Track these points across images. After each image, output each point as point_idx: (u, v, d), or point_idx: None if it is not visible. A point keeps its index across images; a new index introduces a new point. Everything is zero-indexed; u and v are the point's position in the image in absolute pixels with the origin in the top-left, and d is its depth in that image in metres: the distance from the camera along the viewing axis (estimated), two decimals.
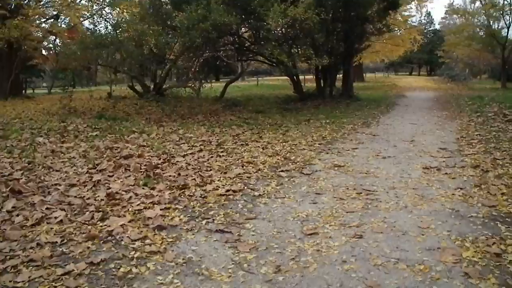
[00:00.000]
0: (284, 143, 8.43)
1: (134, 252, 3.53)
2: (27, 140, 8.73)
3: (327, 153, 7.42)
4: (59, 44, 20.20)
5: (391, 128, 10.30)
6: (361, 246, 3.58)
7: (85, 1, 19.99)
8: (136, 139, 9.41)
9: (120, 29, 15.12)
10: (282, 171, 6.22)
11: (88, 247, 3.63)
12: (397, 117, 12.52)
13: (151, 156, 7.45)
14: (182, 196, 5.17)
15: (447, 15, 55.46)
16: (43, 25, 20.58)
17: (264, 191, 5.29)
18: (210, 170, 6.40)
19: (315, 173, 6.12)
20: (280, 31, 14.00)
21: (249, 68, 52.36)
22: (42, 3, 19.68)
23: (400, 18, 30.64)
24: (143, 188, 5.48)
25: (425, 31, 58.03)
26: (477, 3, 35.05)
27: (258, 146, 8.16)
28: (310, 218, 4.32)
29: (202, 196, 5.14)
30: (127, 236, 3.84)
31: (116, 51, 14.86)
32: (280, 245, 3.65)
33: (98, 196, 5.13)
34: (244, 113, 14.52)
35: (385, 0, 15.45)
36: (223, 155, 7.45)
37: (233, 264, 3.34)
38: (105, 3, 18.38)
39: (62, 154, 7.63)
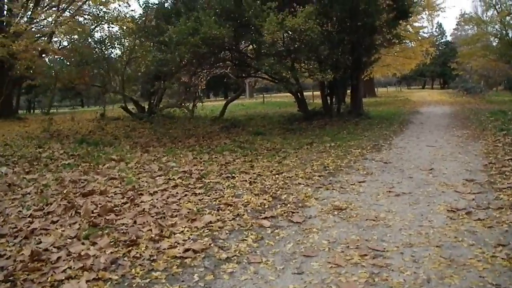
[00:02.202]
0: (277, 175, 7.06)
1: None
2: None
3: (327, 189, 6.01)
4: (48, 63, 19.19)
5: (406, 152, 8.84)
6: None
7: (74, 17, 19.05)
8: (110, 169, 8.35)
9: (107, 45, 13.99)
10: (266, 218, 4.86)
11: None
12: (412, 138, 11.03)
13: (115, 193, 6.30)
14: (125, 258, 3.91)
15: (458, 26, 54.06)
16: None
17: (235, 251, 3.95)
18: (176, 215, 5.08)
19: (308, 220, 4.74)
20: (280, 44, 12.71)
21: (258, 85, 51.59)
22: (35, 21, 18.67)
23: (411, 30, 29.31)
24: (82, 243, 4.30)
25: (437, 43, 56.64)
26: (491, 11, 33.56)
27: (246, 180, 6.80)
28: None
29: (152, 258, 3.85)
30: None
31: (101, 69, 13.72)
32: None
33: (22, 254, 3.97)
34: (241, 135, 13.21)
35: (394, 9, 14.13)
36: (200, 193, 6.13)
37: None
38: (92, 19, 17.44)
39: (19, 189, 6.69)
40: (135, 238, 4.35)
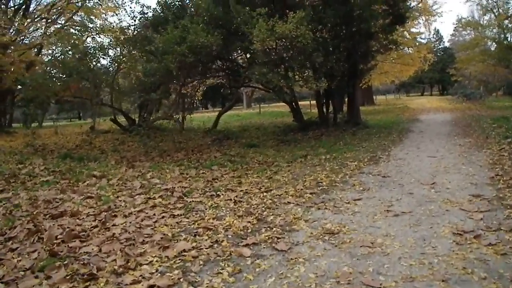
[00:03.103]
0: (265, 193, 6.48)
1: None
2: None
3: (319, 209, 5.42)
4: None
5: (405, 164, 8.24)
6: None
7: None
8: (90, 186, 7.81)
9: (92, 56, 13.47)
10: (247, 245, 4.28)
11: None
12: (411, 148, 10.43)
13: (88, 215, 5.77)
14: None
15: (456, 32, 53.73)
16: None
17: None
18: (148, 242, 4.51)
19: (295, 248, 4.15)
20: (273, 52, 12.17)
21: (256, 95, 51.04)
22: (23, 33, 18.17)
23: (408, 36, 28.85)
24: (36, 277, 3.81)
25: (435, 49, 56.33)
26: (489, 15, 33.13)
27: (231, 199, 6.22)
28: None
29: None
30: None
31: (86, 80, 13.21)
32: None
33: None
34: (233, 147, 12.66)
35: (390, 14, 13.61)
36: (178, 214, 5.56)
37: None
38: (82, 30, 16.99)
39: None
40: (95, 271, 3.80)
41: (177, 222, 5.23)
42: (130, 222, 5.30)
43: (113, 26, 19.05)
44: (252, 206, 5.76)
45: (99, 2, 21.09)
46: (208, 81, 23.39)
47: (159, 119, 15.76)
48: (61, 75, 12.37)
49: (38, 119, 18.11)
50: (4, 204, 6.57)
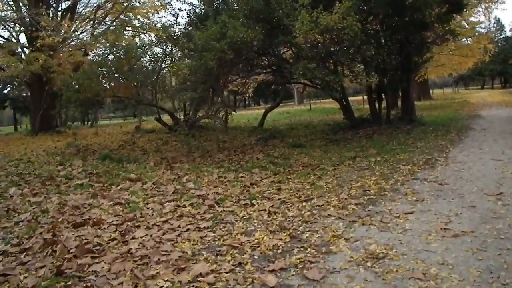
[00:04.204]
0: (304, 203, 5.80)
1: None
2: None
3: (363, 224, 4.69)
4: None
5: (466, 169, 7.24)
6: None
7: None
8: (122, 190, 7.59)
9: (131, 55, 13.24)
10: (274, 270, 3.64)
11: None
12: (473, 149, 9.34)
13: (110, 225, 5.43)
14: None
15: None
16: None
17: None
18: (163, 261, 4.01)
19: (330, 277, 3.47)
20: (319, 45, 11.38)
21: (308, 90, 49.93)
22: (69, 35, 18.35)
23: (466, 25, 26.96)
24: None
25: (496, 39, 52.97)
26: None
27: (265, 209, 5.60)
28: None
29: None
30: None
31: (125, 80, 13.02)
32: None
33: None
34: (278, 148, 12.02)
35: (447, 1, 12.42)
36: (205, 227, 5.03)
37: None
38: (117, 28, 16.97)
39: (15, 215, 6.15)
40: None
41: (201, 237, 4.69)
42: (150, 236, 4.86)
43: (155, 24, 18.96)
44: (288, 219, 5.12)
45: (146, 1, 21.08)
46: (257, 77, 22.88)
47: (202, 118, 15.38)
48: (102, 75, 12.22)
49: (90, 118, 18.31)
50: (33, 209, 6.51)
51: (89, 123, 35.24)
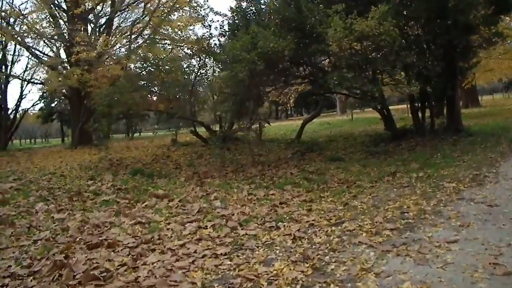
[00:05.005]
0: (334, 227, 5.27)
1: None
2: (25, 206, 7.72)
3: (398, 255, 4.11)
4: None
5: None
6: None
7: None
8: (146, 208, 7.40)
9: (163, 69, 13.12)
10: None
11: None
12: None
13: (125, 247, 5.15)
14: None
15: None
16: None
17: None
18: None
19: None
20: (355, 53, 10.80)
21: (350, 100, 48.74)
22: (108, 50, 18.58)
23: None
24: None
25: None
26: None
27: (291, 234, 5.11)
28: None
29: None
30: None
31: (157, 92, 12.92)
32: None
33: None
34: (315, 162, 11.49)
35: (493, 2, 11.53)
36: (222, 253, 4.63)
37: None
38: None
39: (36, 232, 6.03)
40: None
41: (216, 265, 4.29)
42: (163, 262, 4.54)
43: (188, 36, 18.92)
44: (314, 246, 4.61)
45: (183, 14, 21.15)
46: (298, 87, 22.43)
47: (237, 131, 15.05)
48: (134, 89, 12.16)
49: (137, 130, 18.45)
50: (55, 226, 6.37)
51: (129, 135, 35.81)
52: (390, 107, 15.53)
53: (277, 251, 4.59)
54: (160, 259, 4.61)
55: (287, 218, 5.97)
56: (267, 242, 4.93)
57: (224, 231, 5.50)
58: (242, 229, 5.59)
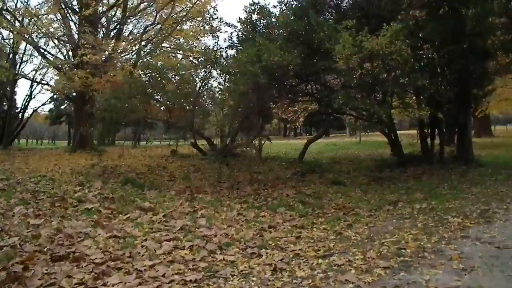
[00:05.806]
0: (321, 260, 4.72)
1: None
2: (3, 208, 7.21)
3: None
4: None
5: None
6: None
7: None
8: (127, 221, 6.94)
9: (161, 77, 12.74)
10: None
11: None
12: None
13: (91, 263, 4.69)
14: None
15: None
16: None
17: None
18: None
19: None
20: (363, 71, 10.31)
21: (359, 122, 48.07)
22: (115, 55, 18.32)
23: None
24: None
25: None
26: None
27: (272, 263, 4.57)
28: None
29: None
30: None
31: (154, 101, 12.51)
32: None
33: None
34: (314, 184, 10.98)
35: None
36: (191, 280, 4.14)
37: None
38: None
39: (5, 238, 5.49)
40: None
41: None
42: (125, 284, 4.05)
43: (195, 46, 18.64)
44: (294, 281, 4.08)
45: (194, 24, 20.96)
46: (309, 106, 21.89)
47: (238, 146, 14.57)
48: (132, 95, 11.79)
49: (143, 138, 18.10)
50: (28, 232, 5.88)
51: (133, 143, 35.50)
52: (401, 132, 15.01)
53: (253, 283, 4.07)
54: (122, 280, 4.15)
55: (273, 244, 5.46)
56: (244, 271, 4.41)
57: (200, 254, 5.00)
58: (220, 253, 5.10)
